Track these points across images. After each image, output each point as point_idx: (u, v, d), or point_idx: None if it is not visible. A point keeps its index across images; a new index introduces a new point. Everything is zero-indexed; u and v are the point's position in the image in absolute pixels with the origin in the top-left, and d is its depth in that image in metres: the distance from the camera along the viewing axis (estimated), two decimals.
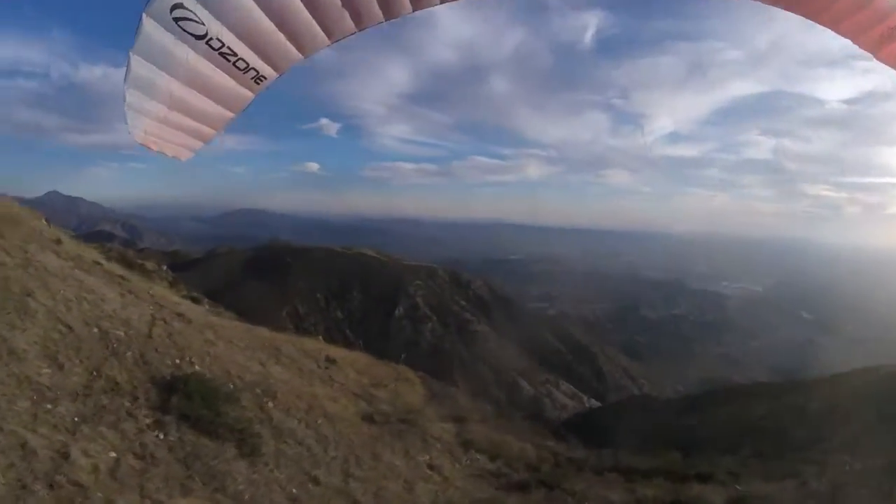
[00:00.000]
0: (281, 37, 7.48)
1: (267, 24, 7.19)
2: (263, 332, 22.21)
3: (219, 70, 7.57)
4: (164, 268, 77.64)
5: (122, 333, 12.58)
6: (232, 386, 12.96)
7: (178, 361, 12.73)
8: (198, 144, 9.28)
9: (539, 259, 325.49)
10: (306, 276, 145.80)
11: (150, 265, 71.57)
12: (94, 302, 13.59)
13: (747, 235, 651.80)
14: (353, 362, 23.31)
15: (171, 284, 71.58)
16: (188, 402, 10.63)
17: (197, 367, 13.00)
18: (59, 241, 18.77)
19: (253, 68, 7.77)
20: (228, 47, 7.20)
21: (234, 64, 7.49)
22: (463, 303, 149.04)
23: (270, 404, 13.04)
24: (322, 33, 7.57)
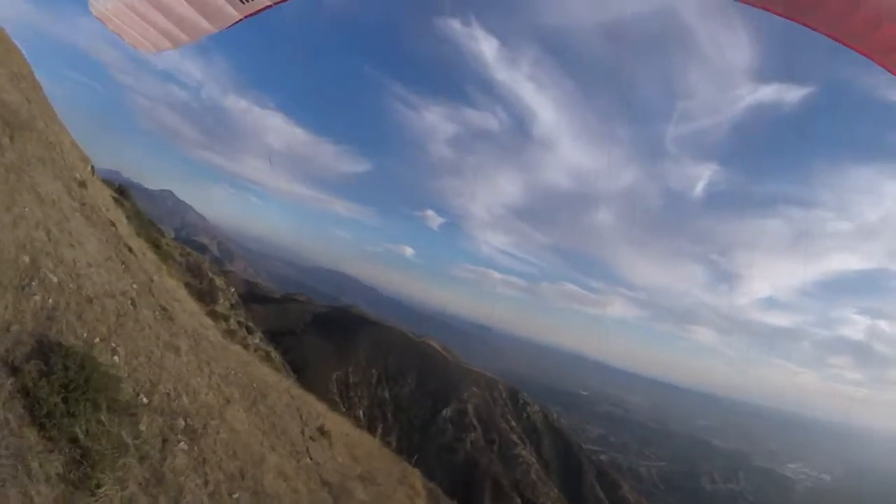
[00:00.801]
0: None
1: None
2: (263, 372, 18.56)
3: None
4: (232, 290, 78.35)
5: (55, 279, 9.48)
6: (145, 400, 9.38)
7: (95, 340, 9.38)
8: (165, 44, 8.68)
9: (606, 400, 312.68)
10: (368, 349, 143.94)
11: (219, 281, 72.06)
12: (54, 238, 10.65)
13: (826, 418, 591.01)
14: (354, 444, 19.36)
15: (233, 306, 71.41)
16: (44, 378, 7.34)
17: (116, 358, 9.57)
18: (82, 184, 16.33)
19: None
20: None
21: None
22: (513, 423, 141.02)
23: (181, 444, 9.29)
24: None
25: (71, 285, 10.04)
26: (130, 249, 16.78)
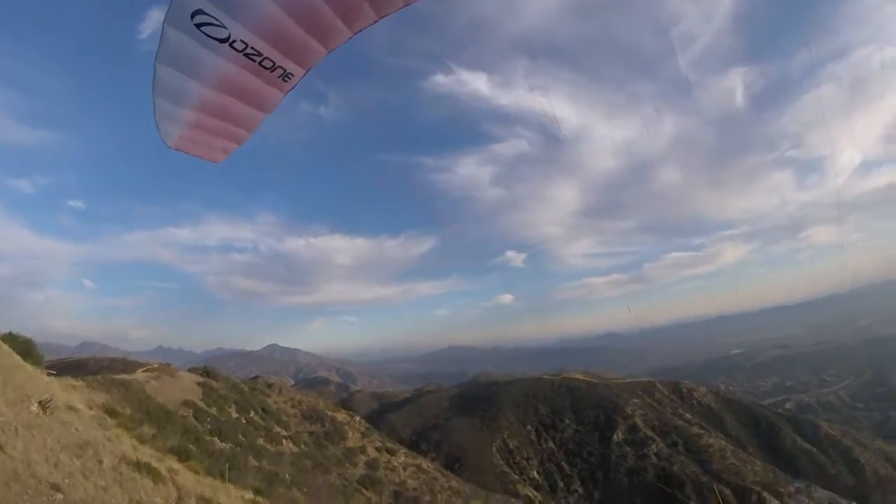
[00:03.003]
0: (303, 32, 7.60)
1: (288, 21, 7.33)
2: None
3: (246, 71, 7.71)
4: (358, 419, 79.22)
5: None
6: None
7: None
8: (233, 147, 9.60)
9: (763, 346, 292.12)
10: (514, 408, 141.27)
11: (342, 416, 73.05)
12: None
13: None
14: None
15: (364, 434, 71.93)
16: None
17: None
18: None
19: (280, 66, 7.91)
20: (252, 47, 7.43)
21: (260, 63, 7.66)
22: (688, 416, 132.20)
23: None
24: (343, 25, 7.67)
25: None
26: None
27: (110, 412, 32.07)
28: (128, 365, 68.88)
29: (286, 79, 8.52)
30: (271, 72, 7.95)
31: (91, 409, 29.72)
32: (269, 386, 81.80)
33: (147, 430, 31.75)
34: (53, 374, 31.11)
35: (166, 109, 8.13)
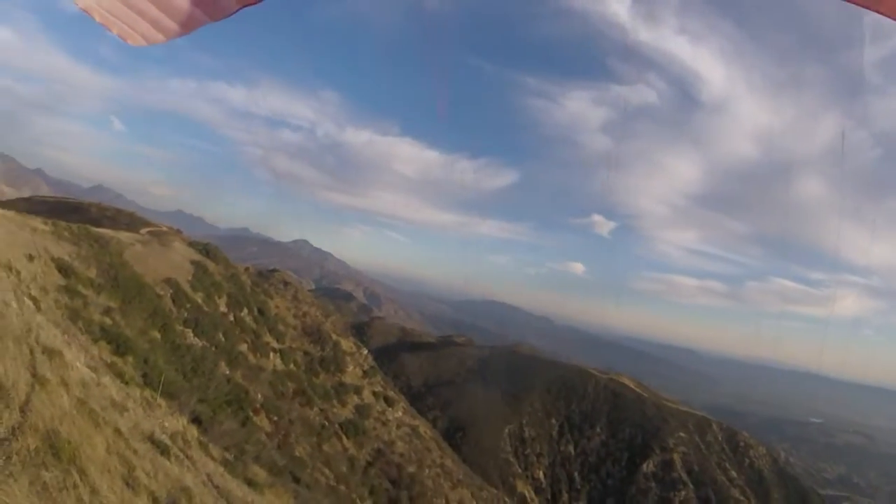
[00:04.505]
0: None
1: None
2: None
3: None
4: (364, 353, 77.58)
5: None
6: None
7: None
8: (157, 37, 9.29)
9: (844, 426, 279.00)
10: (544, 394, 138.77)
11: (347, 344, 71.36)
12: None
13: None
14: None
15: (366, 373, 70.27)
16: None
17: None
18: None
19: None
20: None
21: None
22: (734, 474, 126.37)
23: None
24: None
25: None
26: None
27: (64, 268, 30.23)
28: (135, 221, 68.60)
29: None
30: None
31: (31, 260, 27.81)
32: (286, 285, 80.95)
33: (96, 299, 29.81)
34: None
35: None
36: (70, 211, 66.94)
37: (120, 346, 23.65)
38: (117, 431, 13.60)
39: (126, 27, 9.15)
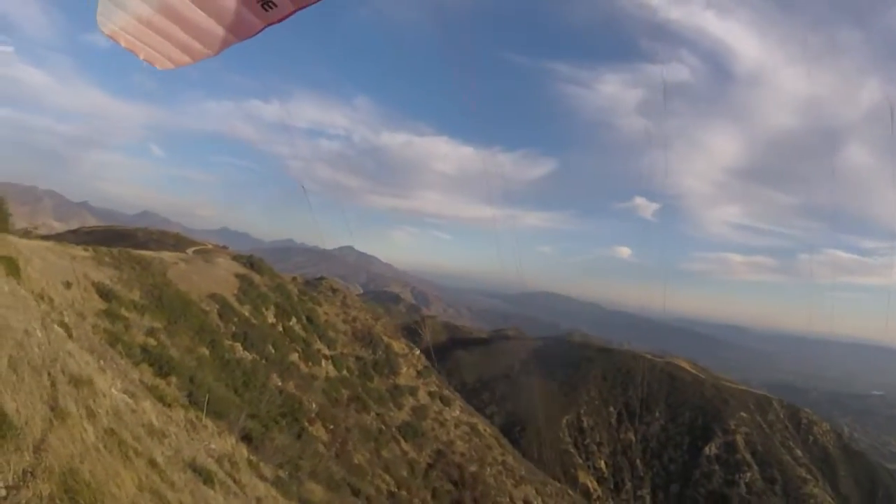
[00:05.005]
0: None
1: None
2: None
3: None
4: (417, 353, 76.34)
5: None
6: None
7: None
8: (184, 59, 9.41)
9: None
10: (600, 382, 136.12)
11: (398, 346, 70.30)
12: None
13: None
14: None
15: (420, 374, 69.07)
16: None
17: None
18: None
19: None
20: None
21: None
22: (798, 453, 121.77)
23: None
24: None
25: None
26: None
27: (104, 292, 29.60)
28: (181, 241, 68.82)
29: (266, 6, 8.28)
30: None
31: (69, 286, 27.16)
32: (334, 291, 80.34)
33: (140, 321, 29.07)
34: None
35: None
36: (117, 238, 67.36)
37: (163, 367, 22.74)
38: (152, 463, 12.44)
39: (153, 51, 9.21)
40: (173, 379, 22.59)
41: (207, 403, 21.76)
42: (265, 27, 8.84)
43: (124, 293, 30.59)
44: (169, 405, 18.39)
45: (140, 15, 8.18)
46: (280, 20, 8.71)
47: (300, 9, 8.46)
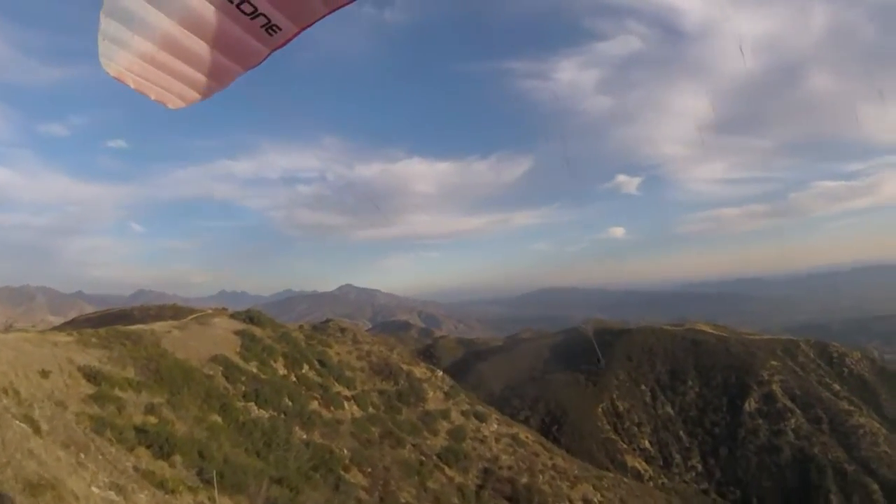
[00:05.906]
0: None
1: None
2: None
3: (220, 13, 7.35)
4: (440, 374, 73.12)
5: None
6: None
7: None
8: (194, 96, 9.08)
9: None
10: (625, 363, 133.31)
11: (420, 371, 67.04)
12: None
13: None
14: None
15: (447, 394, 65.78)
16: None
17: None
18: None
19: (262, 14, 7.38)
20: None
21: (238, 6, 7.19)
22: (837, 387, 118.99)
23: None
24: None
25: None
26: None
27: (92, 375, 26.56)
28: (179, 312, 65.82)
29: (270, 31, 7.76)
30: (251, 18, 7.22)
31: (46, 375, 24.13)
32: (343, 331, 77.17)
33: (136, 399, 25.96)
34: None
35: (113, 32, 7.37)
36: (114, 321, 64.29)
37: (163, 446, 19.63)
38: None
39: (162, 90, 8.73)
40: (177, 458, 19.53)
41: (222, 478, 18.66)
42: (271, 53, 8.40)
43: (116, 372, 27.61)
44: (172, 491, 15.39)
45: (143, 52, 7.76)
46: (285, 44, 8.29)
47: (303, 29, 7.96)
